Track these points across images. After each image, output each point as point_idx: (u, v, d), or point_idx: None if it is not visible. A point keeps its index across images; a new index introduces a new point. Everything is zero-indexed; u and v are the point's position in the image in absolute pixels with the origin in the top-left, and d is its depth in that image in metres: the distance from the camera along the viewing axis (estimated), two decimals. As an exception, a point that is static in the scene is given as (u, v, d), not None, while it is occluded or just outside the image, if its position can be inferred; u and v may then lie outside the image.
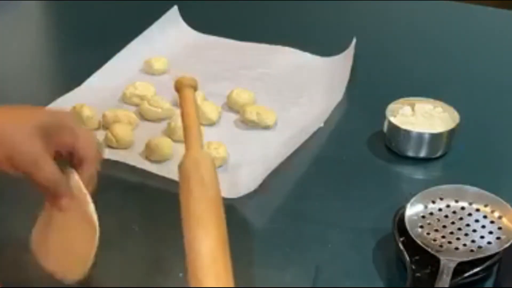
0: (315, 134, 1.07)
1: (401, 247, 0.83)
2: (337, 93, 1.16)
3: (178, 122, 1.05)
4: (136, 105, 1.13)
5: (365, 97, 1.17)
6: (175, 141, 1.04)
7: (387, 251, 0.86)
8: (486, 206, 0.86)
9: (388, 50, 1.33)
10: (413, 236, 0.83)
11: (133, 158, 1.02)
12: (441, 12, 1.47)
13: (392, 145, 1.04)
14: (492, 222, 0.85)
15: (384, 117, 1.04)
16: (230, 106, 1.14)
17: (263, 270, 0.85)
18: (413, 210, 0.87)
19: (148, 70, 1.23)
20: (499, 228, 0.84)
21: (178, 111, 1.11)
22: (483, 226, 0.85)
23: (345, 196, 0.96)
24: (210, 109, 1.10)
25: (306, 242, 0.88)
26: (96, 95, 1.15)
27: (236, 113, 1.12)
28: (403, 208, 0.87)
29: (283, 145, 1.05)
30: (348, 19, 1.45)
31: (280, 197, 0.97)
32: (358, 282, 0.83)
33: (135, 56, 1.26)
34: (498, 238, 0.83)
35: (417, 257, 0.82)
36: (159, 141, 1.01)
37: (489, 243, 0.82)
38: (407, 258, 0.82)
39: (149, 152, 1.02)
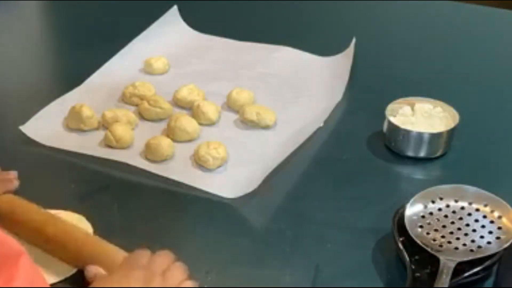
0: (315, 134, 1.07)
1: (401, 247, 0.83)
2: (337, 93, 1.16)
3: (177, 122, 1.05)
4: (136, 105, 1.13)
5: (365, 97, 1.17)
6: (175, 141, 1.04)
7: (387, 251, 0.86)
8: (485, 206, 0.86)
9: (388, 50, 1.33)
10: (412, 236, 0.83)
11: (133, 158, 1.02)
12: (441, 12, 1.47)
13: (392, 145, 1.04)
14: (491, 222, 0.85)
15: (384, 117, 1.04)
16: (230, 105, 1.14)
17: (263, 270, 0.84)
18: (412, 210, 0.87)
19: (148, 70, 1.23)
20: (499, 228, 0.84)
21: (177, 111, 1.12)
22: (483, 226, 0.85)
23: (345, 196, 0.96)
24: (210, 109, 1.10)
25: (306, 242, 0.88)
26: (96, 95, 1.15)
27: (236, 113, 1.12)
28: (402, 208, 0.87)
29: (282, 145, 1.05)
30: (348, 19, 1.45)
31: (280, 197, 0.97)
32: (358, 282, 0.83)
33: (134, 56, 1.26)
34: (497, 238, 0.83)
35: (416, 257, 0.82)
36: (159, 141, 1.01)
37: (488, 243, 0.82)
38: (407, 258, 0.82)
39: (149, 152, 1.02)
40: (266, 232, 0.92)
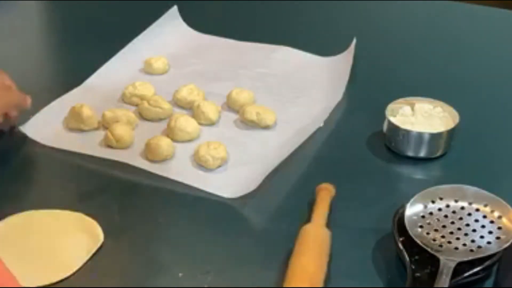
0: (315, 134, 1.07)
1: (401, 247, 0.83)
2: (337, 93, 1.16)
3: (177, 122, 1.05)
4: (136, 105, 1.13)
5: (365, 97, 1.17)
6: (175, 141, 1.04)
7: (387, 251, 0.86)
8: (485, 206, 0.86)
9: (388, 50, 1.33)
10: (412, 236, 0.83)
11: (133, 158, 1.02)
12: (441, 12, 1.47)
13: (392, 145, 1.04)
14: (491, 222, 0.85)
15: (384, 117, 1.04)
16: (230, 105, 1.14)
17: (263, 270, 0.84)
18: (412, 210, 0.87)
19: (148, 70, 1.23)
20: (499, 228, 0.84)
21: (177, 111, 1.12)
22: (483, 226, 0.85)
23: (345, 196, 0.96)
24: (210, 109, 1.10)
25: (306, 242, 0.88)
26: (96, 95, 1.15)
27: (236, 113, 1.12)
28: (403, 208, 0.87)
29: (282, 144, 1.05)
30: (348, 19, 1.45)
31: (280, 197, 0.97)
32: (358, 282, 0.83)
33: (134, 56, 1.26)
34: (497, 238, 0.83)
35: (416, 257, 0.82)
36: (159, 141, 1.01)
37: (488, 243, 0.82)
38: (407, 258, 0.82)
39: (149, 152, 1.02)
40: (266, 232, 0.92)
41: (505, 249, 0.80)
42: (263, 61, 1.27)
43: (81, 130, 1.07)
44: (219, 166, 1.00)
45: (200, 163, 1.00)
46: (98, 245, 0.86)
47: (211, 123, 1.10)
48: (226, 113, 1.13)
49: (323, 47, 1.29)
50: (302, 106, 1.15)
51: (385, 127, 1.04)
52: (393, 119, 1.04)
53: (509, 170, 1.03)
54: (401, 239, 0.84)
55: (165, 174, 0.99)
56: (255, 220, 0.95)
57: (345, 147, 1.06)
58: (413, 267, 0.81)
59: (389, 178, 1.01)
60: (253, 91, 1.16)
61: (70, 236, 0.87)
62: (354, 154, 1.04)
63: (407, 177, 1.03)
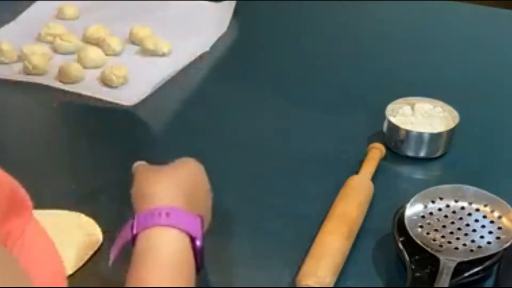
0: (315, 134, 1.07)
1: (401, 247, 0.83)
2: (221, 27, 1.34)
3: (85, 51, 1.21)
4: (51, 42, 1.27)
5: (365, 97, 1.17)
6: (84, 67, 1.19)
7: (387, 251, 0.86)
8: (485, 206, 0.86)
9: (388, 50, 1.33)
10: (412, 236, 0.83)
11: (48, 80, 1.17)
12: (441, 12, 1.47)
13: (392, 145, 1.04)
14: (491, 222, 0.85)
15: (384, 117, 1.04)
16: (132, 40, 1.29)
17: (263, 270, 0.84)
18: (412, 210, 0.86)
19: (61, 16, 1.38)
20: (499, 228, 0.84)
21: (86, 46, 1.25)
22: (483, 226, 0.84)
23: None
24: (114, 41, 1.25)
25: (306, 242, 0.88)
26: (14, 37, 1.27)
27: (138, 46, 1.28)
28: (402, 208, 0.87)
29: (175, 64, 1.23)
30: (348, 19, 1.45)
31: (280, 196, 0.96)
32: (358, 282, 0.82)
33: (49, 4, 1.39)
34: (497, 238, 0.82)
35: (417, 257, 0.82)
36: (70, 65, 1.17)
37: (488, 243, 0.82)
38: (407, 258, 0.82)
39: (62, 75, 1.17)
40: (266, 232, 0.91)
41: (505, 249, 0.80)
42: (161, 6, 1.42)
43: (2, 63, 1.21)
44: (123, 84, 1.16)
45: (106, 82, 1.16)
46: (97, 246, 0.86)
47: (116, 54, 1.25)
48: (129, 46, 1.28)
49: (323, 47, 1.29)
50: (193, 38, 1.31)
51: (385, 127, 1.04)
52: (393, 119, 1.04)
53: (509, 170, 1.02)
54: (401, 239, 0.84)
55: (77, 90, 1.15)
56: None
57: (345, 147, 1.06)
58: (413, 267, 0.81)
59: (389, 178, 1.01)
60: (152, 28, 1.31)
61: (69, 236, 0.87)
62: (354, 154, 1.04)
63: (407, 177, 1.03)
